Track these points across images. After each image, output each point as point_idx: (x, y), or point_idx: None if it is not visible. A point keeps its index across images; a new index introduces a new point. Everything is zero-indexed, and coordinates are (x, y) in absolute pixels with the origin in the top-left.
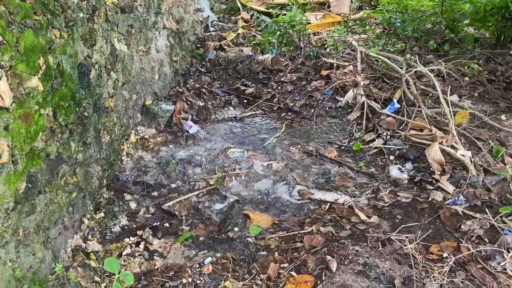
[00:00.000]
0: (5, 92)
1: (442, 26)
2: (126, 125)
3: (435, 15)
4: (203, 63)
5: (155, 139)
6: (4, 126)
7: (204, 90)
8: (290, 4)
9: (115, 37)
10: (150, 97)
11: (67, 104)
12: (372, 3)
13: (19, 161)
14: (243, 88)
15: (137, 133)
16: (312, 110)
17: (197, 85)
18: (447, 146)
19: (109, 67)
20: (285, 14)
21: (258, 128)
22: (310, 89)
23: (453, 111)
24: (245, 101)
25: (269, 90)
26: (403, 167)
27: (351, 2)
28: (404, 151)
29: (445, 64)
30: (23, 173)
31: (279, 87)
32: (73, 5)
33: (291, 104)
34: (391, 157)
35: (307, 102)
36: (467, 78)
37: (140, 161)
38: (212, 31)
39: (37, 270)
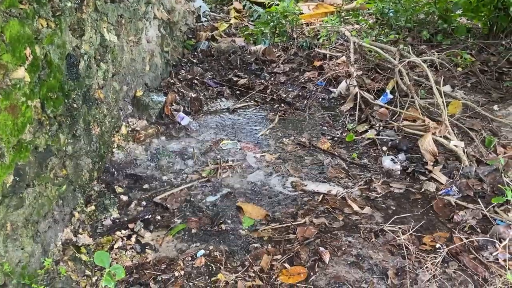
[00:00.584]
0: None
1: (435, 17)
2: (117, 116)
3: (428, 5)
4: (195, 53)
5: (146, 131)
6: None
7: (196, 81)
8: None
9: (104, 27)
10: (141, 88)
11: (55, 96)
12: None
13: (6, 154)
14: (235, 79)
15: (128, 125)
16: (305, 101)
17: (189, 76)
18: (440, 136)
19: (99, 57)
20: (278, 4)
21: (251, 119)
22: (303, 80)
23: (446, 102)
24: (238, 92)
25: (262, 81)
26: (396, 158)
27: None
28: (397, 142)
29: (438, 54)
30: (10, 166)
31: (272, 78)
32: None
33: (284, 95)
34: (384, 148)
35: (300, 93)
36: (459, 69)
37: (131, 153)
38: (204, 21)
39: (26, 264)
